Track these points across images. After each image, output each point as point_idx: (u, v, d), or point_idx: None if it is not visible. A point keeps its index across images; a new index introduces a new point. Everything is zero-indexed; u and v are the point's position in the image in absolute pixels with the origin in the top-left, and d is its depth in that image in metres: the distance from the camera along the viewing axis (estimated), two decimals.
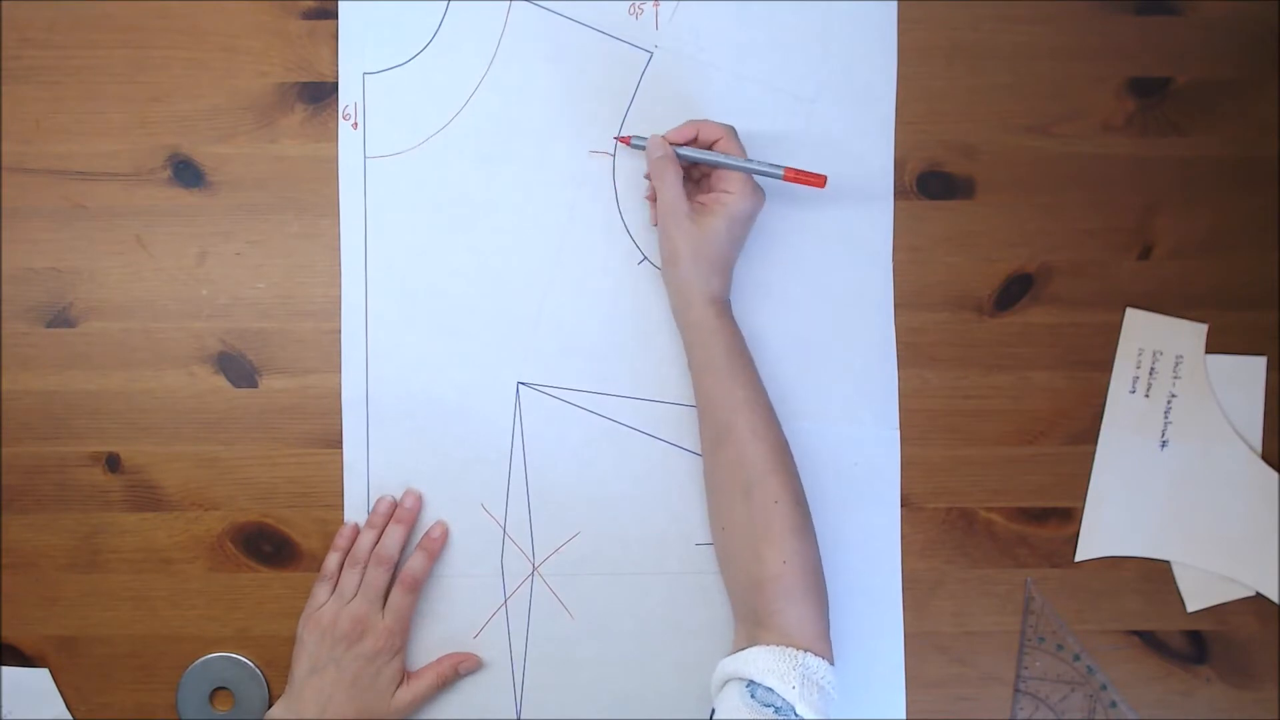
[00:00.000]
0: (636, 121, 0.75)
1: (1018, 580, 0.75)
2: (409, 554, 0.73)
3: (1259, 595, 0.74)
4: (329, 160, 0.75)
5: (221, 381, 0.75)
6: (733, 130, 0.70)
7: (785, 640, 0.62)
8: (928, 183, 0.75)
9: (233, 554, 0.75)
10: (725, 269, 0.70)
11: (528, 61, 0.75)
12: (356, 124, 0.75)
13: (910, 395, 0.75)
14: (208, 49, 0.75)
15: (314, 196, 0.75)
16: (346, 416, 0.74)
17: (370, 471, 0.74)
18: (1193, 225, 0.76)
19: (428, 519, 0.74)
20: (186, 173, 0.75)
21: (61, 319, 0.75)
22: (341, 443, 0.74)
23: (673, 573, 0.74)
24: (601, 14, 0.75)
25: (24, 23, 0.75)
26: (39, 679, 0.74)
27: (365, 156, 0.75)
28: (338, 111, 0.75)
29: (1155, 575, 0.75)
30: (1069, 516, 0.75)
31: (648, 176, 0.72)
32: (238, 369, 0.75)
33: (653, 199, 0.72)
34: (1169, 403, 0.75)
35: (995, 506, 0.75)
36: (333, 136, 0.75)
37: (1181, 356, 0.75)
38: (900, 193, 0.75)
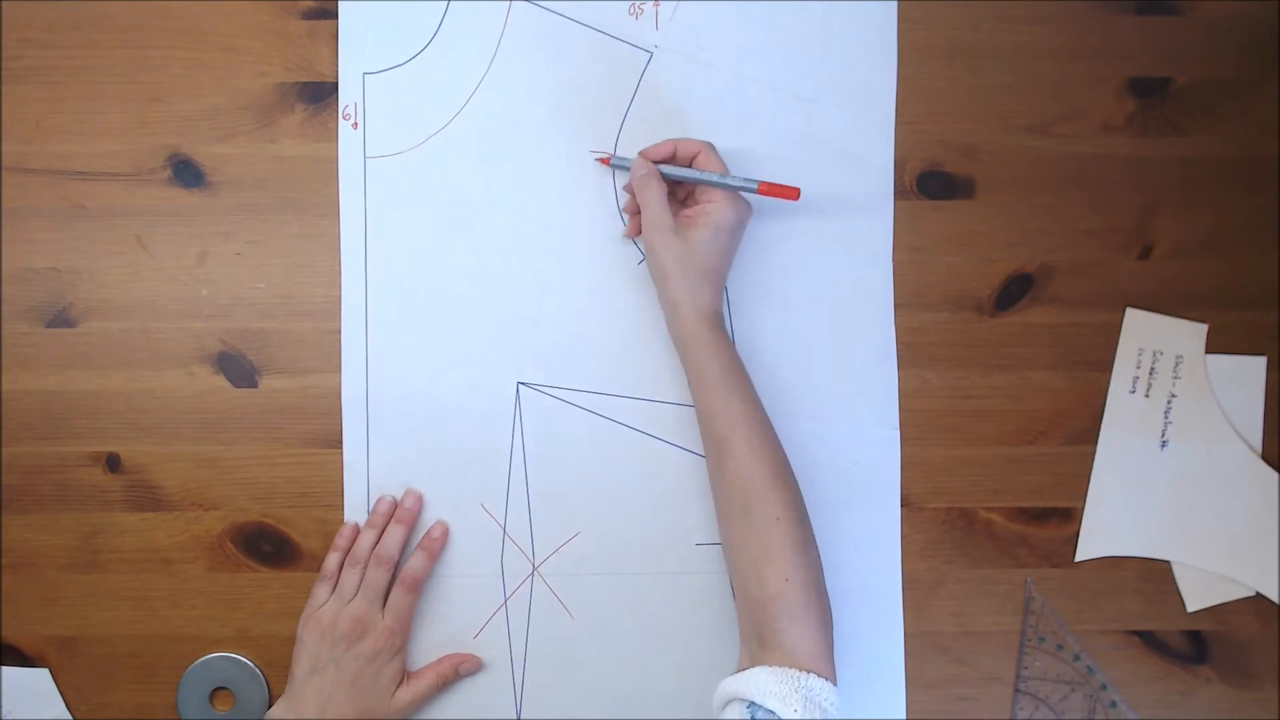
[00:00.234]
0: (636, 122, 0.75)
1: (1018, 580, 0.75)
2: (409, 554, 0.73)
3: (1259, 595, 0.74)
4: (329, 160, 0.75)
5: (221, 381, 0.75)
6: (710, 145, 0.70)
7: (788, 660, 0.61)
8: (928, 183, 0.75)
9: (233, 554, 0.75)
10: (715, 281, 0.69)
11: (528, 61, 0.75)
12: (356, 124, 0.75)
13: (910, 395, 0.75)
14: (208, 49, 0.75)
15: (314, 196, 0.75)
16: (346, 416, 0.74)
17: (370, 471, 0.74)
18: (1193, 225, 0.76)
19: (428, 519, 0.74)
20: (186, 173, 0.75)
21: (61, 319, 0.75)
22: (341, 443, 0.74)
23: (673, 573, 0.74)
24: (601, 14, 0.75)
25: (24, 23, 0.75)
26: (39, 679, 0.74)
27: (365, 156, 0.75)
28: (338, 111, 0.75)
29: (1155, 575, 0.75)
30: (1069, 516, 0.75)
31: (626, 188, 0.73)
32: (238, 369, 0.75)
33: (631, 210, 0.73)
34: (1169, 403, 0.75)
35: (995, 506, 0.75)
36: (333, 136, 0.75)
37: (1181, 356, 0.75)
38: (900, 193, 0.75)
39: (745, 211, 0.70)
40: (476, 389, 0.74)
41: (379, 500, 0.74)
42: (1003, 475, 0.75)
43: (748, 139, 0.75)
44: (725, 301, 0.74)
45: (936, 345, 0.75)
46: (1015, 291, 0.75)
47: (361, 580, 0.71)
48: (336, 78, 0.75)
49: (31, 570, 0.75)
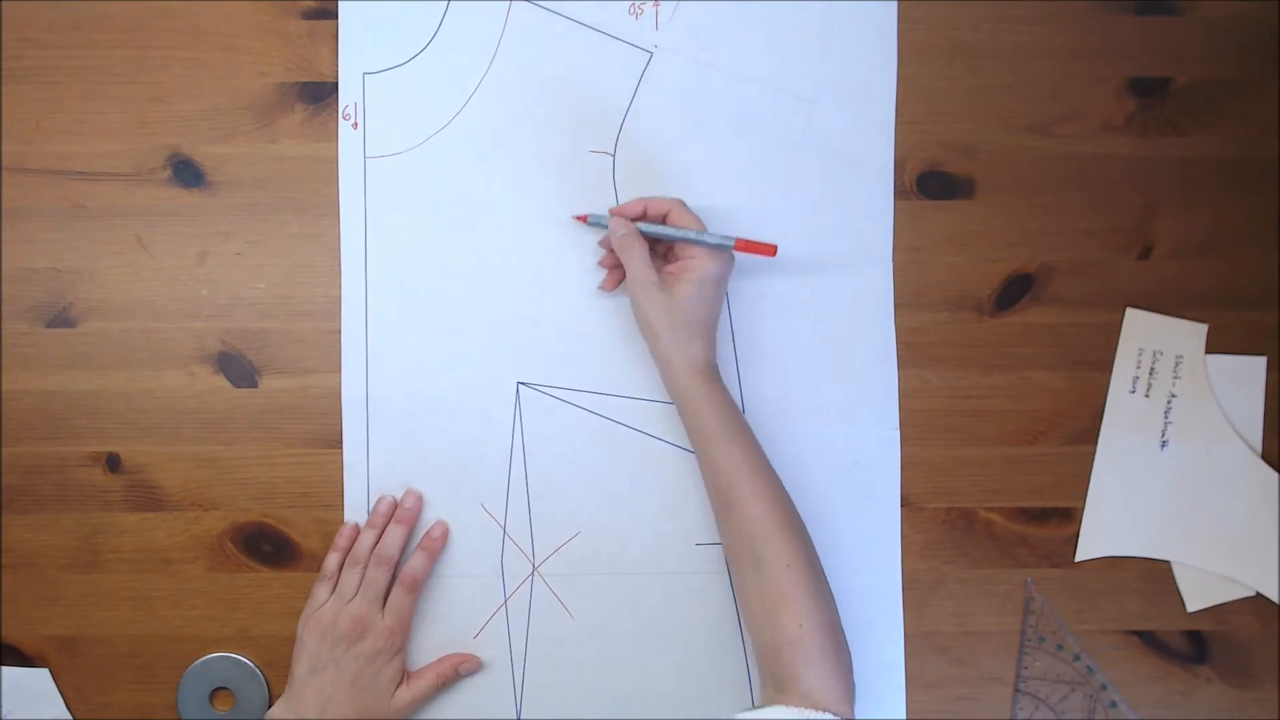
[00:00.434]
0: (636, 122, 0.75)
1: (1018, 580, 0.75)
2: (409, 554, 0.73)
3: (1259, 595, 0.74)
4: (329, 160, 0.75)
5: (221, 381, 0.75)
6: (680, 202, 0.70)
7: (805, 702, 0.61)
8: (928, 183, 0.75)
9: (233, 554, 0.75)
10: (704, 334, 0.69)
11: (528, 61, 0.75)
12: (356, 124, 0.75)
13: (910, 395, 0.75)
14: (208, 49, 0.75)
15: (314, 196, 0.75)
16: (346, 416, 0.74)
17: (370, 471, 0.74)
18: (1193, 225, 0.76)
19: (428, 519, 0.74)
20: (186, 173, 0.75)
21: (61, 319, 0.75)
22: (341, 443, 0.74)
23: (673, 573, 0.74)
24: (601, 14, 0.75)
25: (24, 23, 0.75)
26: (39, 679, 0.74)
27: (365, 156, 0.75)
28: (338, 111, 0.75)
29: (1155, 575, 0.75)
30: (1069, 516, 0.75)
31: (603, 244, 0.73)
32: (238, 369, 0.75)
33: (609, 265, 0.73)
34: (1169, 403, 0.75)
35: (995, 506, 0.75)
36: (333, 136, 0.75)
37: (1181, 356, 0.75)
38: (900, 193, 0.75)
39: (727, 264, 0.70)
40: (476, 389, 0.74)
41: (379, 500, 0.74)
42: (1003, 475, 0.75)
43: (748, 139, 0.75)
44: (726, 304, 0.74)
45: (936, 345, 0.75)
46: (1015, 291, 0.75)
47: (361, 580, 0.71)
48: (336, 78, 0.75)
49: (31, 570, 0.75)
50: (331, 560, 0.73)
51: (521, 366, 0.75)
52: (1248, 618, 0.75)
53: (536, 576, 0.74)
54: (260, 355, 0.75)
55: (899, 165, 0.75)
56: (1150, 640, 0.75)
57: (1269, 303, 0.75)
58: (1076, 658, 0.75)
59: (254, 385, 0.75)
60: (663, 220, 0.71)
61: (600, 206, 0.74)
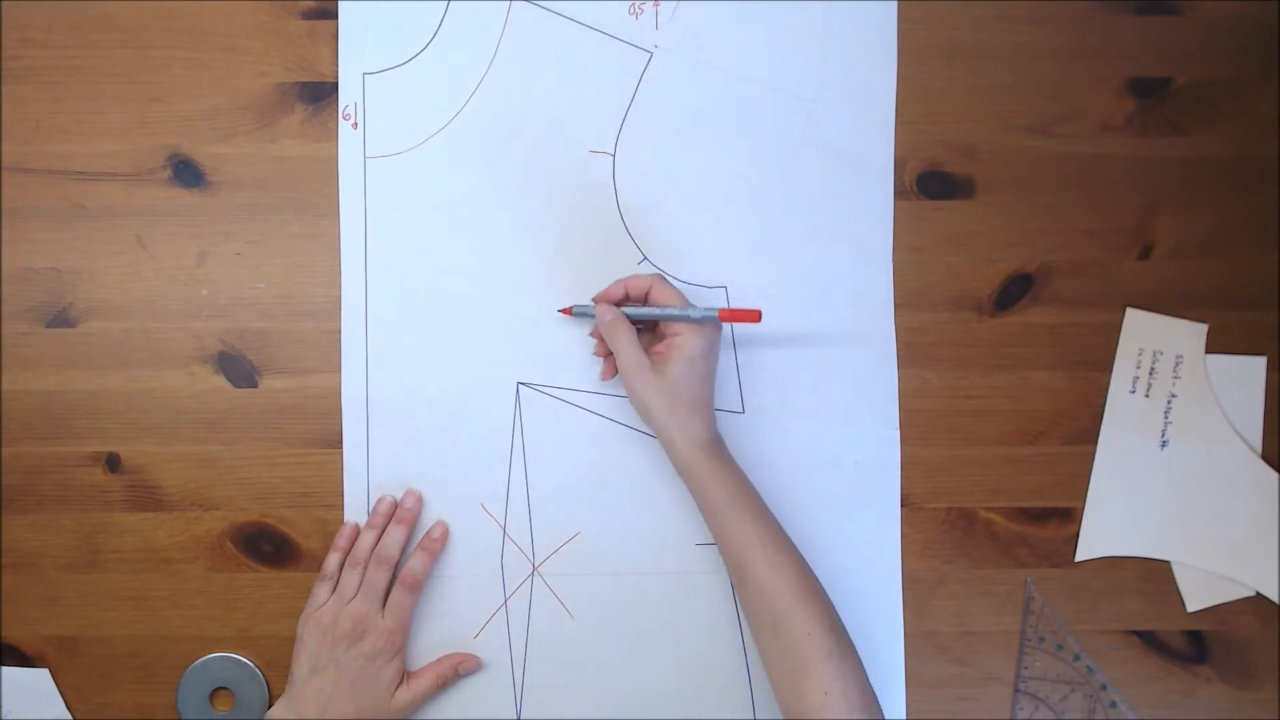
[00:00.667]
0: (636, 122, 0.75)
1: (1018, 580, 0.75)
2: (409, 554, 0.73)
3: (1259, 595, 0.74)
4: (329, 160, 0.75)
5: (221, 381, 0.75)
6: (660, 277, 0.70)
7: None
8: (928, 183, 0.75)
9: (233, 554, 0.75)
10: (702, 409, 0.69)
11: (528, 61, 0.75)
12: (356, 124, 0.75)
13: (910, 395, 0.75)
14: (208, 49, 0.75)
15: (314, 196, 0.75)
16: (346, 416, 0.74)
17: (370, 471, 0.74)
18: (1193, 225, 0.76)
19: (428, 519, 0.74)
20: (186, 173, 0.75)
21: (61, 319, 0.75)
22: (341, 443, 0.74)
23: (673, 573, 0.74)
24: (601, 14, 0.75)
25: (24, 23, 0.75)
26: (39, 679, 0.74)
27: (365, 156, 0.75)
28: (338, 111, 0.75)
29: (1155, 575, 0.75)
30: (1069, 516, 0.75)
31: (594, 334, 0.73)
32: (238, 369, 0.75)
33: (602, 353, 0.73)
34: (1169, 403, 0.75)
35: (995, 506, 0.75)
36: (333, 136, 0.75)
37: (1181, 356, 0.75)
38: (900, 193, 0.75)
39: (714, 335, 0.69)
40: (476, 389, 0.74)
41: (379, 500, 0.74)
42: (1003, 475, 0.75)
43: (748, 139, 0.75)
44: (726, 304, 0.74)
45: (936, 345, 0.75)
46: (1015, 291, 0.75)
47: (362, 580, 0.71)
48: (336, 78, 0.75)
49: (31, 570, 0.75)
50: (332, 560, 0.73)
51: (521, 366, 0.75)
52: (1248, 618, 0.75)
53: (536, 576, 0.74)
54: (260, 355, 0.75)
55: (899, 165, 0.75)
56: (1150, 640, 0.75)
57: (1269, 303, 0.75)
58: (1076, 658, 0.75)
59: (254, 385, 0.75)
60: (644, 297, 0.70)
61: (599, 207, 0.74)
